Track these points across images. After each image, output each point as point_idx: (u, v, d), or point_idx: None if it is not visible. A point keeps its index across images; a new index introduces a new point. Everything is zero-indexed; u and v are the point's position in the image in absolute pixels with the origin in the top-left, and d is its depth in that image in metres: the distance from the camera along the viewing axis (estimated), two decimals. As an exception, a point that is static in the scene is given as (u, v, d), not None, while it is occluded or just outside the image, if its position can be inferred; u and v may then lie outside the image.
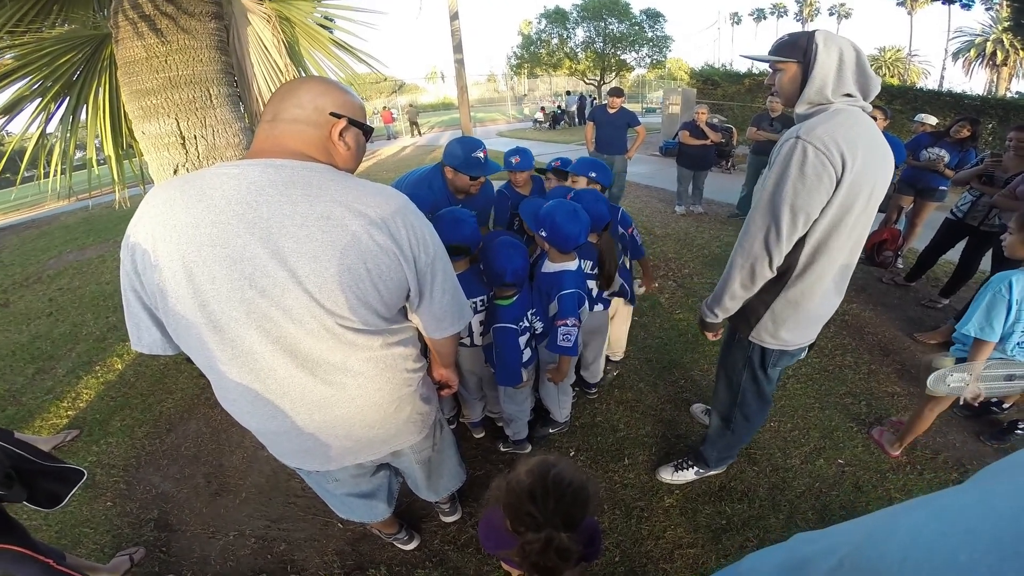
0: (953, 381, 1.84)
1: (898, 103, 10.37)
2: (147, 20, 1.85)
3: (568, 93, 23.41)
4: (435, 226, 1.59)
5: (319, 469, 1.21)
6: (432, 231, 1.02)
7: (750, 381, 1.69)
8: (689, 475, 2.10)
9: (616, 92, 5.66)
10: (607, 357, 2.77)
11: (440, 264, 1.03)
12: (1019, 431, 2.30)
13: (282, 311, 0.88)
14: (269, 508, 2.11)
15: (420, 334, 1.21)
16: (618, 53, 20.01)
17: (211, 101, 2.08)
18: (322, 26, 2.60)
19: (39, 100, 2.11)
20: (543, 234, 1.85)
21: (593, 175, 2.30)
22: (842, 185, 1.25)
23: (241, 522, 2.06)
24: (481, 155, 2.17)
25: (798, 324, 1.51)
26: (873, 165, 1.29)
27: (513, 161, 2.74)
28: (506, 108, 27.94)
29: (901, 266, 4.37)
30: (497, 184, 2.73)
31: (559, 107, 21.71)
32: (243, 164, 0.87)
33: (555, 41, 21.44)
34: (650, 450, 2.33)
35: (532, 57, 22.16)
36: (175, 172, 2.06)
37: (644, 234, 5.66)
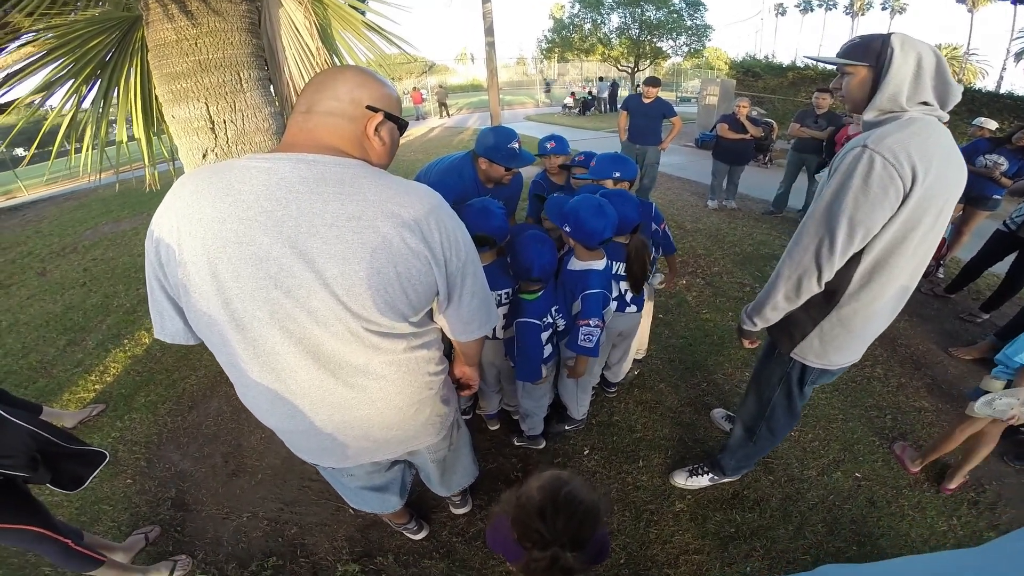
0: (1000, 405, 1.77)
1: (955, 105, 10.05)
2: (177, 2, 1.83)
3: (600, 79, 22.98)
4: (463, 215, 1.58)
5: (335, 466, 1.24)
6: (465, 233, 1.01)
7: (783, 397, 1.65)
8: (703, 481, 2.09)
9: (652, 81, 5.57)
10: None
11: (471, 267, 1.02)
12: None
13: (307, 313, 0.87)
14: (283, 491, 2.18)
15: (443, 334, 1.20)
16: (654, 40, 19.46)
17: (241, 85, 2.06)
18: (353, 7, 2.57)
19: (72, 81, 2.12)
20: (567, 229, 1.82)
21: (617, 175, 2.21)
22: (909, 200, 1.17)
23: (255, 503, 2.13)
24: (516, 146, 2.17)
25: (847, 345, 1.45)
26: (946, 180, 1.21)
27: (548, 146, 2.73)
28: (535, 92, 27.62)
29: (942, 276, 4.19)
30: (525, 173, 2.70)
31: (589, 93, 21.36)
32: (274, 158, 0.85)
33: (588, 26, 20.97)
34: (665, 453, 2.32)
35: (564, 42, 21.75)
36: (204, 157, 2.06)
37: (674, 228, 5.58)
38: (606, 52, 20.67)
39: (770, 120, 9.71)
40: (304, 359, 0.91)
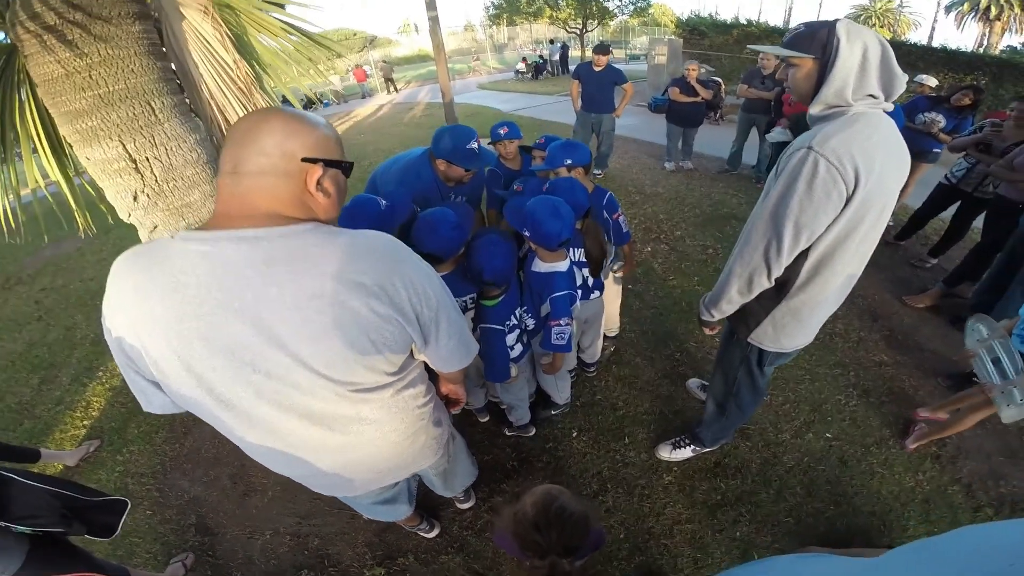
0: (979, 335, 2.00)
1: None
2: (52, 31, 1.63)
3: (551, 42, 22.72)
4: (414, 229, 1.63)
5: (345, 495, 1.35)
6: (430, 278, 0.98)
7: (746, 376, 1.81)
8: (687, 452, 2.33)
9: (602, 49, 5.66)
10: (604, 335, 2.88)
11: (444, 313, 1.01)
12: None
13: (291, 386, 0.88)
14: (296, 505, 2.33)
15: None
16: (600, 0, 19.27)
17: (156, 116, 1.89)
18: (271, 2, 2.30)
19: None
20: (527, 233, 1.87)
21: (569, 162, 2.22)
22: (852, 202, 1.23)
23: (274, 520, 2.28)
24: (475, 145, 2.19)
25: (798, 331, 1.58)
26: (889, 178, 1.27)
27: (502, 132, 2.79)
28: (486, 58, 27.03)
29: (892, 223, 4.54)
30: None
31: (541, 56, 21.09)
32: (212, 238, 0.80)
33: None
34: (649, 428, 2.56)
35: (510, 6, 21.22)
36: (135, 199, 1.93)
37: (634, 193, 5.84)
38: (554, 15, 20.32)
39: (718, 79, 9.94)
40: (298, 421, 0.94)
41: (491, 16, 22.50)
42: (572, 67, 21.14)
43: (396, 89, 20.78)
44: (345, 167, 0.93)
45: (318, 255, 0.82)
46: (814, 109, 1.30)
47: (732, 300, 1.54)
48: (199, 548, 2.19)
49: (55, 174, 2.05)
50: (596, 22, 20.56)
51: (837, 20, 1.25)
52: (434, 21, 8.22)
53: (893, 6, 39.03)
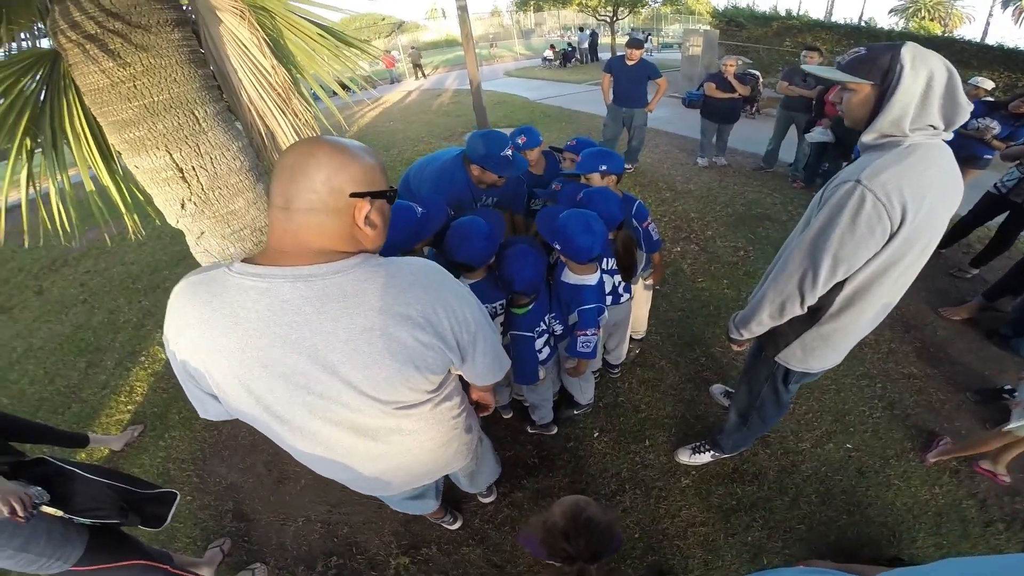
0: None
1: (941, 55, 10.04)
2: (94, 40, 1.65)
3: (580, 29, 22.46)
4: (448, 236, 1.73)
5: (381, 495, 1.48)
6: (471, 305, 1.06)
7: (770, 392, 1.84)
8: (706, 458, 2.39)
9: (635, 43, 5.66)
10: (630, 337, 2.91)
11: (481, 335, 1.08)
12: None
13: (341, 405, 0.97)
14: (328, 494, 2.47)
15: None
16: None
17: (200, 125, 1.92)
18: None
19: (12, 142, 1.87)
20: (557, 247, 1.91)
21: (604, 168, 2.24)
22: (895, 239, 1.22)
23: (306, 508, 2.43)
24: (509, 153, 2.25)
25: (827, 354, 1.59)
26: (938, 214, 1.24)
27: (520, 141, 2.79)
28: (513, 44, 26.86)
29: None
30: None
31: (569, 44, 20.87)
32: (269, 275, 0.87)
33: None
34: (670, 431, 2.62)
35: (538, -9, 21.12)
36: (182, 207, 2.00)
37: (665, 190, 5.82)
38: (583, 2, 20.01)
39: (756, 72, 9.74)
40: (346, 433, 1.04)
41: (518, 3, 22.24)
42: (601, 55, 21.03)
43: (424, 75, 20.93)
44: (390, 196, 0.97)
45: (367, 290, 0.89)
46: (867, 137, 1.27)
47: (763, 323, 1.56)
48: (235, 534, 2.35)
49: (105, 179, 2.13)
50: (627, 10, 20.17)
51: (904, 44, 1.20)
52: (463, 11, 8.25)
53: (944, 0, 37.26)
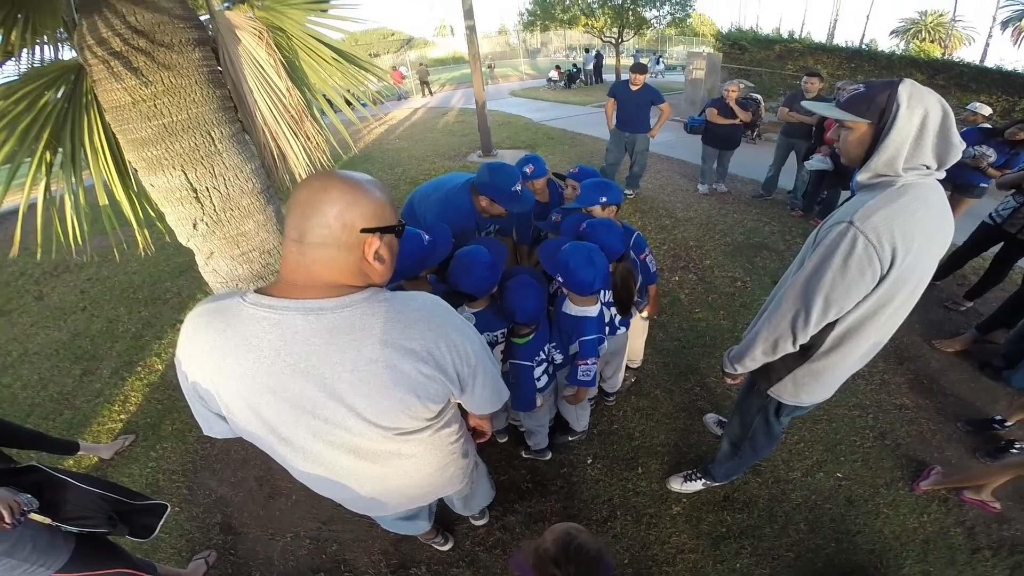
0: None
1: (941, 78, 9.95)
2: (119, 57, 1.70)
3: (586, 51, 22.94)
4: (452, 265, 1.78)
5: (376, 515, 1.52)
6: (472, 340, 1.10)
7: (762, 423, 1.87)
8: (697, 486, 2.41)
9: (639, 68, 5.73)
10: (626, 365, 2.96)
11: (481, 368, 1.12)
12: (1015, 450, 2.53)
13: (344, 430, 1.02)
14: (319, 510, 2.48)
15: None
16: (638, 9, 19.22)
17: (215, 146, 1.98)
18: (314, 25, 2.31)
19: (32, 154, 1.92)
20: (559, 279, 1.95)
21: (604, 200, 2.31)
22: (886, 281, 1.25)
23: (295, 524, 2.44)
24: (518, 188, 2.30)
25: (818, 389, 1.63)
26: (928, 254, 1.27)
27: (527, 170, 2.83)
28: (518, 63, 27.37)
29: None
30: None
31: (574, 65, 21.26)
32: (281, 307, 0.92)
33: None
34: (662, 459, 2.65)
35: (545, 13, 21.40)
36: (194, 227, 2.07)
37: (664, 217, 5.88)
38: (589, 23, 20.41)
39: (757, 96, 9.89)
40: (346, 455, 1.08)
41: (525, 23, 22.67)
42: (606, 75, 21.34)
43: (431, 92, 21.27)
44: (398, 231, 1.01)
45: (373, 324, 0.94)
46: (862, 176, 1.30)
47: (756, 359, 1.61)
48: (222, 547, 2.36)
49: (119, 194, 2.17)
50: (633, 31, 20.56)
51: (901, 82, 1.21)
52: (471, 31, 8.45)
53: (945, 20, 37.91)
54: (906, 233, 1.20)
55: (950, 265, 4.06)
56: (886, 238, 1.20)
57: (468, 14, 8.15)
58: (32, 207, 2.02)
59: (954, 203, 4.41)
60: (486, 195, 2.31)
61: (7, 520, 1.36)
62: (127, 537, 1.76)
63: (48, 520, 1.53)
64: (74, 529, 1.59)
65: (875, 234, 1.20)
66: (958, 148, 1.22)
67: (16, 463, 1.73)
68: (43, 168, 1.99)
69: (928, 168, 1.24)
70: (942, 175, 1.27)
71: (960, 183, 4.21)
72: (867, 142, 1.27)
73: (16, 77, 1.87)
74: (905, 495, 2.42)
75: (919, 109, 1.18)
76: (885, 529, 2.27)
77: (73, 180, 2.04)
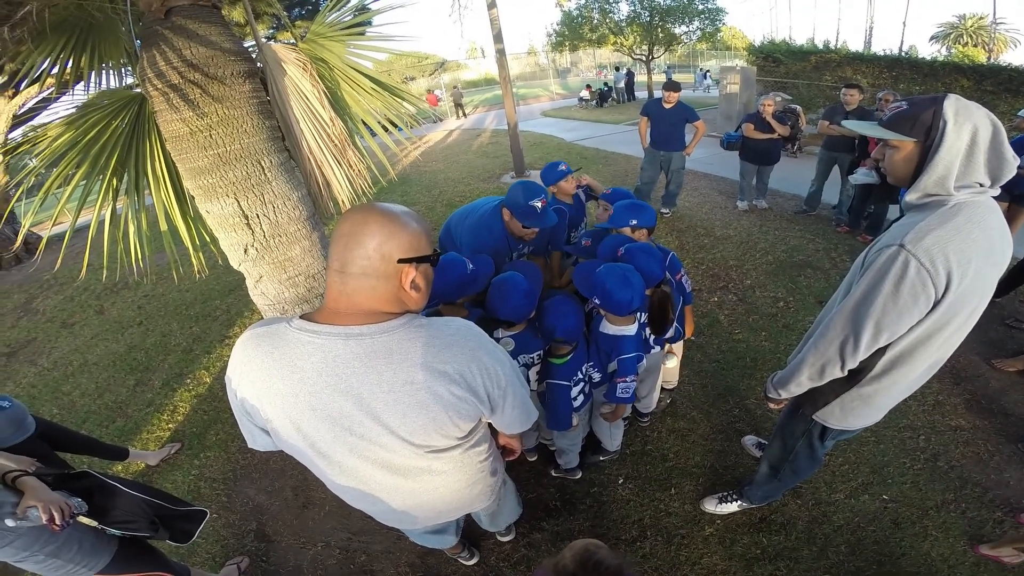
0: None
1: (988, 84, 9.42)
2: (176, 90, 1.83)
3: (616, 69, 23.04)
4: (489, 292, 1.80)
5: (406, 528, 1.57)
6: (504, 363, 1.14)
7: (805, 447, 1.79)
8: (732, 507, 2.33)
9: (672, 86, 5.68)
10: (661, 386, 2.89)
11: (511, 390, 1.16)
12: None
13: (379, 446, 1.08)
14: (350, 521, 2.52)
15: None
16: (667, 25, 19.14)
17: (265, 175, 2.06)
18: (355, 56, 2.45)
19: (101, 179, 2.08)
20: (596, 301, 1.93)
21: (634, 223, 2.30)
22: (940, 306, 1.19)
23: (326, 533, 2.49)
24: (538, 204, 2.29)
25: (867, 413, 1.56)
26: (986, 276, 1.20)
27: (561, 168, 2.93)
28: (548, 83, 27.71)
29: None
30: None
31: (606, 84, 21.36)
32: (324, 332, 0.99)
33: (597, 16, 20.78)
34: (697, 480, 2.56)
35: (573, 33, 21.63)
36: (245, 252, 2.16)
37: (703, 236, 5.73)
38: (618, 41, 20.47)
39: (797, 107, 9.56)
40: (380, 471, 1.14)
41: (554, 43, 22.94)
42: (638, 93, 21.26)
43: (465, 114, 21.80)
44: (434, 260, 1.07)
45: (411, 349, 1.00)
46: (911, 196, 1.24)
47: (802, 384, 1.54)
48: (255, 553, 2.42)
49: (177, 219, 2.31)
50: (663, 48, 20.50)
51: (946, 97, 1.16)
52: (501, 54, 8.63)
53: (986, 23, 36.05)
54: (962, 256, 1.13)
55: (1011, 281, 3.81)
56: (940, 261, 1.13)
57: (497, 37, 8.33)
58: (98, 228, 2.20)
59: (1011, 216, 4.17)
60: (509, 208, 2.33)
61: (57, 522, 1.43)
62: (167, 541, 1.84)
63: (95, 523, 1.62)
64: (118, 532, 1.67)
65: (928, 257, 1.14)
66: (1012, 164, 1.16)
67: (71, 468, 1.85)
68: (110, 193, 2.15)
69: (981, 186, 1.18)
70: (996, 192, 1.20)
71: (1017, 194, 3.98)
72: (915, 161, 1.22)
73: (86, 98, 2.06)
74: (956, 517, 2.27)
75: (967, 125, 1.13)
76: (933, 552, 2.14)
77: (138, 206, 2.21)
